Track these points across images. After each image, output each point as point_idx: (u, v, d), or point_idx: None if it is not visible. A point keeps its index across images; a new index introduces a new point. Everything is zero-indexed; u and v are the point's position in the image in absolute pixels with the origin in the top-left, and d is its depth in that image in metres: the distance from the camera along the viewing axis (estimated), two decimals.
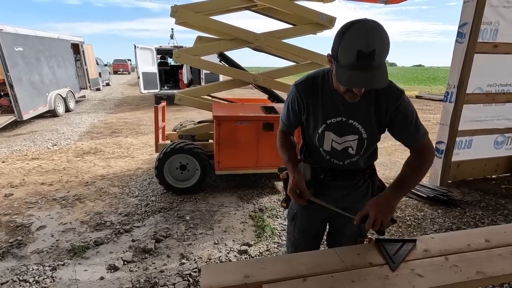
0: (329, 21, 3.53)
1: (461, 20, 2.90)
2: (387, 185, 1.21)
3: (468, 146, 3.40)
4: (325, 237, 1.43)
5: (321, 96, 1.09)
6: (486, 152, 3.54)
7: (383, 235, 1.07)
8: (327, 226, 1.39)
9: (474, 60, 2.96)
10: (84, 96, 10.91)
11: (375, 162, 1.28)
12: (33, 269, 2.05)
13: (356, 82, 0.89)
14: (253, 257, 2.23)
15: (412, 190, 3.37)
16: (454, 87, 3.07)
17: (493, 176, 3.69)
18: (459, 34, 2.93)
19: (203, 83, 9.44)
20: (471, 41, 2.87)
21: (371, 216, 1.00)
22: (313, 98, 1.10)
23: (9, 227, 2.60)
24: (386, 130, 1.13)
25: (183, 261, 2.16)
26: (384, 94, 1.03)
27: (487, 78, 3.21)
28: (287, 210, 1.38)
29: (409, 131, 1.08)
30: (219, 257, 2.22)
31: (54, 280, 1.96)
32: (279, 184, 3.59)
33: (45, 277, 1.98)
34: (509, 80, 3.32)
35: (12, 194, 3.24)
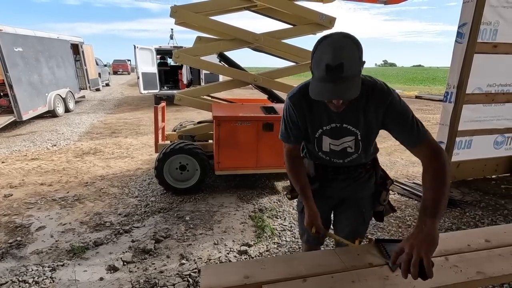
0: (328, 21, 3.54)
1: (460, 20, 2.90)
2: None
3: (468, 146, 3.40)
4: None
5: (314, 105, 1.11)
6: (485, 152, 3.53)
7: (428, 278, 0.82)
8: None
9: (473, 60, 2.95)
10: (83, 97, 10.91)
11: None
12: (32, 270, 2.05)
13: (323, 95, 0.92)
14: (253, 258, 2.23)
15: (412, 190, 3.38)
16: (453, 87, 3.07)
17: (493, 176, 3.69)
18: (459, 34, 2.92)
19: (202, 84, 9.44)
20: (471, 41, 2.86)
21: (415, 255, 0.83)
22: (307, 108, 1.13)
23: (9, 227, 2.60)
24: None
25: (183, 261, 2.16)
26: (373, 96, 1.04)
27: (486, 78, 3.21)
28: (292, 207, 1.44)
29: (405, 129, 1.05)
30: (219, 258, 2.22)
31: (53, 281, 1.95)
32: (279, 184, 3.59)
33: (45, 277, 1.98)
34: (509, 80, 3.32)
35: (12, 195, 3.23)
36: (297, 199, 1.47)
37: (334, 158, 1.23)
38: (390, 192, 1.40)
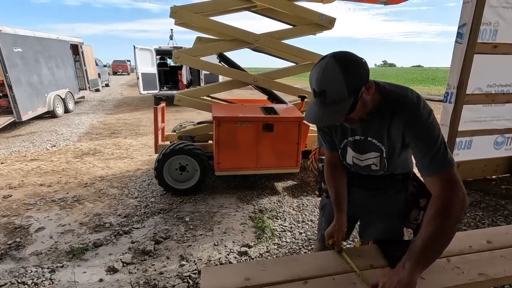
0: (328, 22, 3.54)
1: (460, 21, 2.90)
2: None
3: (468, 147, 3.40)
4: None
5: None
6: (486, 152, 3.53)
7: None
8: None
9: (473, 60, 2.95)
10: (83, 97, 10.89)
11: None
12: (31, 271, 2.04)
13: (308, 117, 0.92)
14: (253, 259, 2.22)
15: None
16: (454, 88, 3.07)
17: (493, 177, 3.69)
18: (459, 35, 2.92)
19: (202, 84, 9.44)
20: (471, 41, 2.87)
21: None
22: None
23: (8, 228, 2.59)
24: None
25: (183, 262, 2.15)
26: (399, 110, 0.94)
27: (486, 78, 3.21)
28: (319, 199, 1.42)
29: (422, 152, 0.91)
30: (219, 259, 2.21)
31: (53, 282, 1.94)
32: (279, 185, 3.58)
33: (44, 279, 1.97)
34: (509, 80, 3.32)
35: (11, 196, 3.22)
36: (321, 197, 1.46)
37: (359, 171, 1.19)
38: None
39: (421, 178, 1.12)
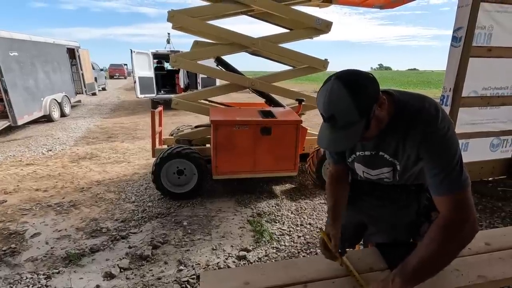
0: (325, 26, 3.56)
1: (455, 25, 2.94)
2: None
3: (464, 149, 3.43)
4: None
5: None
6: (482, 155, 3.56)
7: None
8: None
9: (469, 63, 2.99)
10: (79, 101, 10.84)
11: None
12: (27, 278, 2.01)
13: (321, 142, 0.88)
14: (251, 263, 2.21)
15: None
16: (449, 90, 3.10)
17: (490, 179, 3.71)
18: (454, 39, 2.96)
19: (199, 88, 9.45)
20: (466, 45, 2.90)
21: None
22: None
23: (3, 234, 2.55)
24: None
25: (181, 267, 2.13)
26: (414, 123, 0.87)
27: (482, 81, 3.24)
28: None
29: (434, 170, 0.85)
30: (217, 263, 2.20)
31: None
32: (277, 189, 3.58)
33: (39, 285, 1.94)
34: (504, 83, 3.36)
35: (6, 201, 3.18)
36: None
37: (369, 179, 1.15)
38: None
39: None
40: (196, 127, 3.88)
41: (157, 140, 3.64)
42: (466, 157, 3.46)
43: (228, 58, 3.77)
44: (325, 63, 3.72)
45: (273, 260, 2.24)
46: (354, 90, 0.77)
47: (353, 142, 0.85)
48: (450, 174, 0.83)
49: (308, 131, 3.62)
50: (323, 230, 1.11)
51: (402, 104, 0.89)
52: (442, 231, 0.81)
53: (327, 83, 0.81)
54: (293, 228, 2.71)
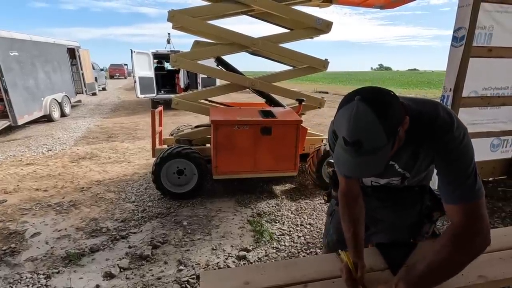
0: (325, 26, 3.56)
1: (456, 25, 2.94)
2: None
3: None
4: None
5: None
6: (482, 155, 3.55)
7: None
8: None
9: (469, 64, 2.99)
10: (80, 101, 10.84)
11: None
12: (26, 278, 2.00)
13: (343, 169, 0.79)
14: (251, 263, 2.21)
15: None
16: (450, 91, 3.09)
17: (490, 179, 3.71)
18: (454, 39, 2.96)
19: (200, 88, 9.45)
20: (466, 45, 2.90)
21: None
22: None
23: (3, 234, 2.55)
24: None
25: (181, 267, 2.13)
26: (428, 133, 0.85)
27: (482, 81, 3.24)
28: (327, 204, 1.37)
29: (448, 178, 0.83)
30: (217, 263, 2.19)
31: None
32: (277, 189, 3.58)
33: (39, 285, 1.94)
34: (504, 83, 3.35)
35: (6, 201, 3.18)
36: (329, 203, 1.40)
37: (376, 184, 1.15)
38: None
39: (436, 192, 1.07)
40: (196, 127, 3.88)
41: (157, 140, 3.64)
42: None
43: (228, 58, 3.77)
44: (325, 63, 3.72)
45: (273, 260, 2.23)
46: (383, 115, 0.71)
47: (380, 168, 0.76)
48: (464, 183, 0.81)
49: (308, 131, 3.61)
50: (346, 252, 0.99)
51: (417, 115, 0.85)
52: (453, 240, 0.79)
53: (349, 103, 0.74)
54: (293, 228, 2.71)
